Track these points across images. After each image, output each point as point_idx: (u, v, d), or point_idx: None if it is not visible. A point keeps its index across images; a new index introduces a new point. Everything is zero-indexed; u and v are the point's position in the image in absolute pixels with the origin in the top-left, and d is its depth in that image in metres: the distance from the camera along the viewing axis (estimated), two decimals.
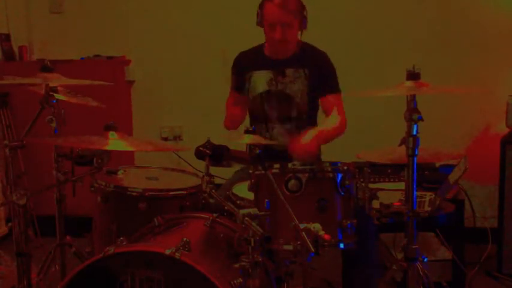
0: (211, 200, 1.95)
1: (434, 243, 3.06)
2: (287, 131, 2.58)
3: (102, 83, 2.08)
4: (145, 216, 2.04)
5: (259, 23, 2.55)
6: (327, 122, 2.56)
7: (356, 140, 3.22)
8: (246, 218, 1.63)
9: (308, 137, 2.33)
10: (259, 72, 2.62)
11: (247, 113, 2.72)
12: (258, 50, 2.69)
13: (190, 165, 2.83)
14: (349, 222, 1.86)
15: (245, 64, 2.67)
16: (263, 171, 1.84)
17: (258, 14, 2.54)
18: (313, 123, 2.66)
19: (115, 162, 2.22)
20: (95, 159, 2.05)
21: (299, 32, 2.57)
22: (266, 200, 1.84)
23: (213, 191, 1.92)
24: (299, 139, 2.33)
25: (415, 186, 1.80)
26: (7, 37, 3.93)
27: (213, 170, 2.00)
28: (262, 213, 1.72)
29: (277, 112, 2.61)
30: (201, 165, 2.03)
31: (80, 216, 2.40)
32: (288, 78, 2.60)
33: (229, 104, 2.72)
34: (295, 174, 1.82)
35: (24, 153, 2.04)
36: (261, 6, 2.52)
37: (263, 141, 1.97)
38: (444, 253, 2.92)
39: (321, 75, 2.60)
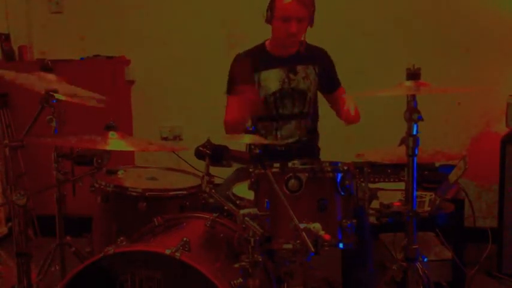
0: (211, 200, 1.95)
1: (434, 243, 3.06)
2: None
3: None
4: (145, 216, 2.04)
5: (268, 20, 2.52)
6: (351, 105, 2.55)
7: (356, 140, 3.24)
8: (246, 218, 1.63)
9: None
10: (268, 71, 2.61)
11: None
12: (259, 49, 2.67)
13: (190, 165, 2.82)
14: (349, 222, 1.86)
15: (249, 65, 2.63)
16: (263, 171, 1.84)
17: (268, 10, 2.51)
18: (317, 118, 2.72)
19: (115, 162, 2.22)
20: (95, 159, 2.05)
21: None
22: (266, 199, 1.84)
23: (213, 190, 1.92)
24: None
25: (415, 186, 1.80)
26: (7, 37, 3.93)
27: (213, 169, 2.00)
28: (262, 213, 1.72)
29: (291, 109, 2.62)
30: (201, 165, 2.03)
31: (80, 216, 2.40)
32: (299, 75, 2.61)
33: (234, 109, 2.56)
34: (296, 173, 1.82)
35: (24, 153, 2.03)
36: (272, 2, 2.49)
37: (263, 141, 1.97)
38: (444, 253, 2.92)
39: (327, 71, 2.65)
